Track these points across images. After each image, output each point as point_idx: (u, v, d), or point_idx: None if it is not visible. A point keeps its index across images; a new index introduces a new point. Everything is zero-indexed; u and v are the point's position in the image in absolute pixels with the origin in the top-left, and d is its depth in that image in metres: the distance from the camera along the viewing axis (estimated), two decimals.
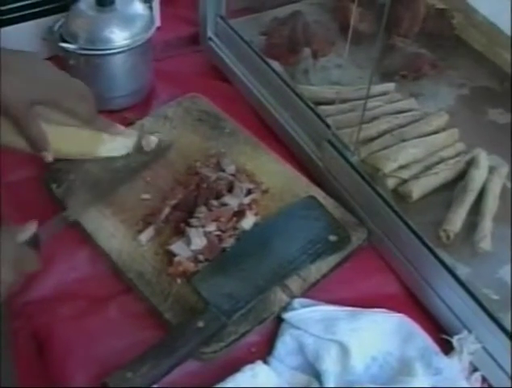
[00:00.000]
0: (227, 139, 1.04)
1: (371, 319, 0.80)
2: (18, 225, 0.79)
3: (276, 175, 0.98)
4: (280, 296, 0.82)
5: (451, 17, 1.26)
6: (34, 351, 0.81)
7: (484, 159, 0.99)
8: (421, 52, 1.21)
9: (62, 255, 0.88)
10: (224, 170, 0.95)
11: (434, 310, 0.84)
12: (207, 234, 0.86)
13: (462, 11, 1.25)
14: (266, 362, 0.76)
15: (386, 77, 1.16)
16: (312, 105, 1.03)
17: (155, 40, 1.13)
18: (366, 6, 1.15)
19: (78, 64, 1.06)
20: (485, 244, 0.88)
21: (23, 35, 1.13)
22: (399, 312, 0.81)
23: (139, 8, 1.11)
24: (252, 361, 0.75)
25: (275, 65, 1.13)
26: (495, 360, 0.76)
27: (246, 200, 0.91)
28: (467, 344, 0.77)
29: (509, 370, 0.74)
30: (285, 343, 0.78)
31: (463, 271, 0.84)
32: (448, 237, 0.89)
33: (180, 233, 0.87)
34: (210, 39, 1.22)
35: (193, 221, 0.87)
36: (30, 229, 0.78)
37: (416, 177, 0.96)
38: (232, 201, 0.90)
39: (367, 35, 1.13)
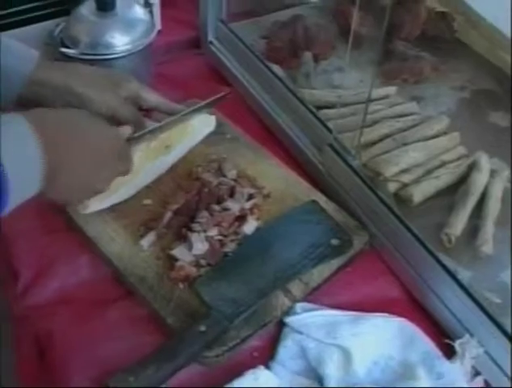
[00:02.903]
0: (228, 144, 1.04)
1: (373, 324, 0.80)
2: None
3: (278, 179, 0.98)
4: (282, 300, 0.82)
5: (452, 20, 1.26)
6: (36, 355, 0.81)
7: (485, 162, 0.99)
8: (422, 56, 1.21)
9: (64, 260, 0.88)
10: (225, 176, 0.95)
11: (436, 314, 0.83)
12: (208, 239, 0.86)
13: (463, 14, 1.25)
14: (268, 367, 0.76)
15: (387, 80, 1.17)
16: (313, 109, 1.03)
17: (156, 44, 1.13)
18: (366, 9, 1.14)
19: None
20: (487, 248, 0.88)
21: (23, 40, 1.13)
22: (401, 316, 0.81)
23: (139, 13, 1.11)
24: (254, 366, 0.75)
25: (276, 68, 1.13)
26: (497, 365, 0.76)
27: (248, 205, 0.91)
28: (469, 348, 0.77)
29: (511, 374, 0.74)
30: (287, 348, 0.78)
31: (464, 275, 0.84)
32: (450, 240, 0.89)
33: (182, 238, 0.87)
34: (211, 42, 1.23)
35: (195, 226, 0.87)
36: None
37: (417, 181, 0.96)
38: (234, 206, 0.90)
39: (367, 38, 1.13)
